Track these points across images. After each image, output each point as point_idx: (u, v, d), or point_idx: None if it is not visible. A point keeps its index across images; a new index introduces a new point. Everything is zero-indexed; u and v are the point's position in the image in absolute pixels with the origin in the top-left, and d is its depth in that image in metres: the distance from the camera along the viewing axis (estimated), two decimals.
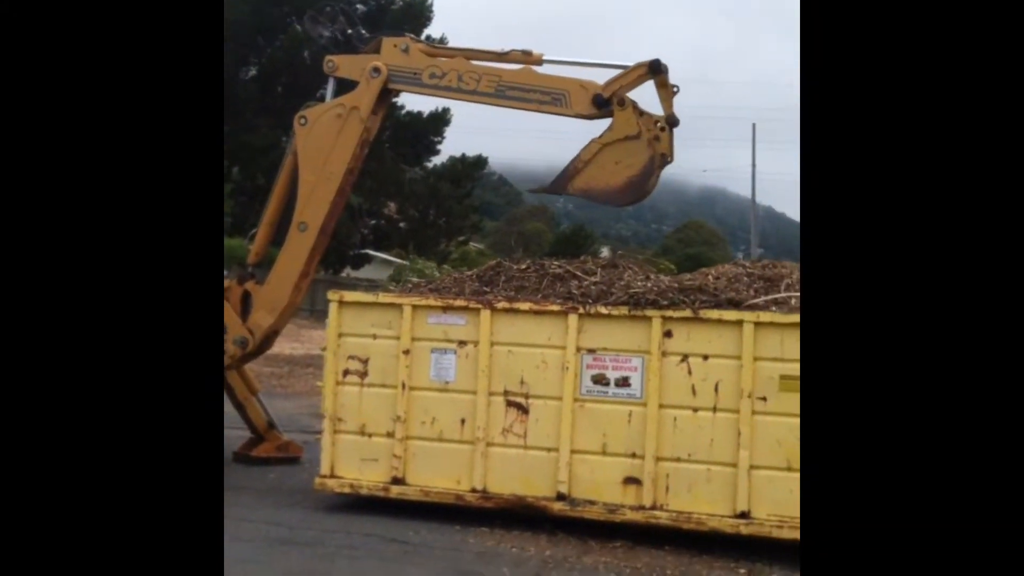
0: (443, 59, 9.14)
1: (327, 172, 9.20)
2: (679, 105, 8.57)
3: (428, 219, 37.73)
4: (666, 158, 8.49)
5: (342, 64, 9.38)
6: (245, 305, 9.50)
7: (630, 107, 8.50)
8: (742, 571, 7.09)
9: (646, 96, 8.64)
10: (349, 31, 9.74)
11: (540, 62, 8.99)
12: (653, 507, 7.60)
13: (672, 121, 8.50)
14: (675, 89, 8.58)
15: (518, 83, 8.83)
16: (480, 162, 38.69)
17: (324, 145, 9.21)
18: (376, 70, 9.13)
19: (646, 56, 8.63)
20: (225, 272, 10.36)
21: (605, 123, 8.66)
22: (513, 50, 9.07)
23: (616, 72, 8.66)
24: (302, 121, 9.32)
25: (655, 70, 8.52)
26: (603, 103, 8.56)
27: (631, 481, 7.68)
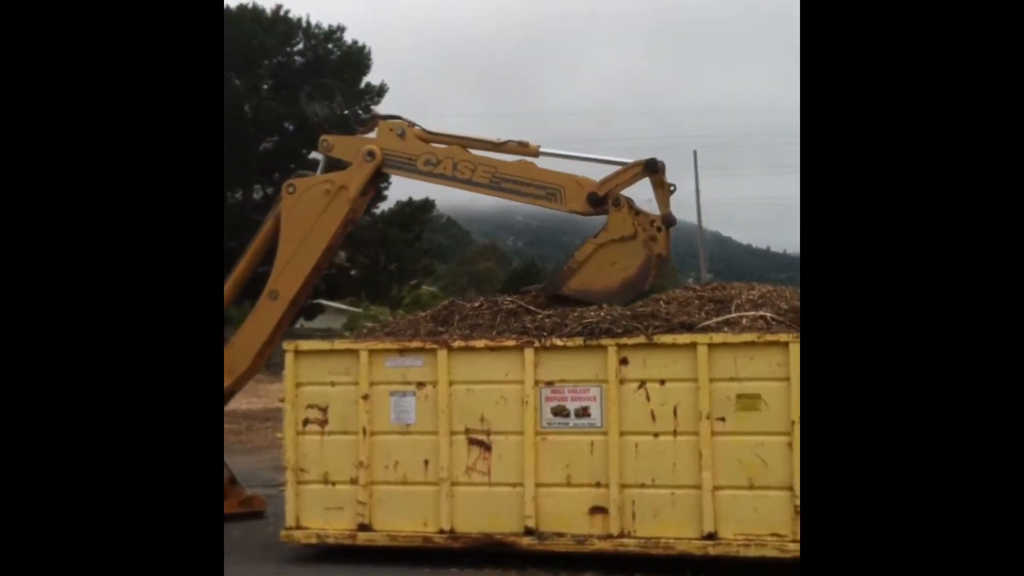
0: (439, 146, 9.11)
1: (307, 245, 9.15)
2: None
3: (379, 265, 37.65)
4: (663, 258, 8.52)
5: (337, 144, 9.34)
6: None
7: (625, 207, 8.49)
8: None
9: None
10: (346, 111, 9.65)
11: (536, 154, 9.00)
12: (621, 535, 7.62)
13: (669, 221, 8.50)
14: (672, 188, 8.64)
15: (514, 175, 8.84)
16: (428, 205, 38.71)
17: (308, 218, 9.14)
18: (371, 154, 9.09)
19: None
20: None
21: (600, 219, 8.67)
22: (510, 140, 9.06)
23: (613, 169, 8.69)
24: (290, 189, 9.24)
25: (651, 169, 8.57)
26: (598, 201, 8.56)
27: (597, 511, 7.70)
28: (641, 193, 8.64)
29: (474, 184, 8.94)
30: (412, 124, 9.26)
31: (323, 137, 9.42)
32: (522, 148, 9.02)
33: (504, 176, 8.86)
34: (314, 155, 41.49)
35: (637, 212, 8.51)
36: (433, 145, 9.13)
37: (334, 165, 9.46)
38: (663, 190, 8.64)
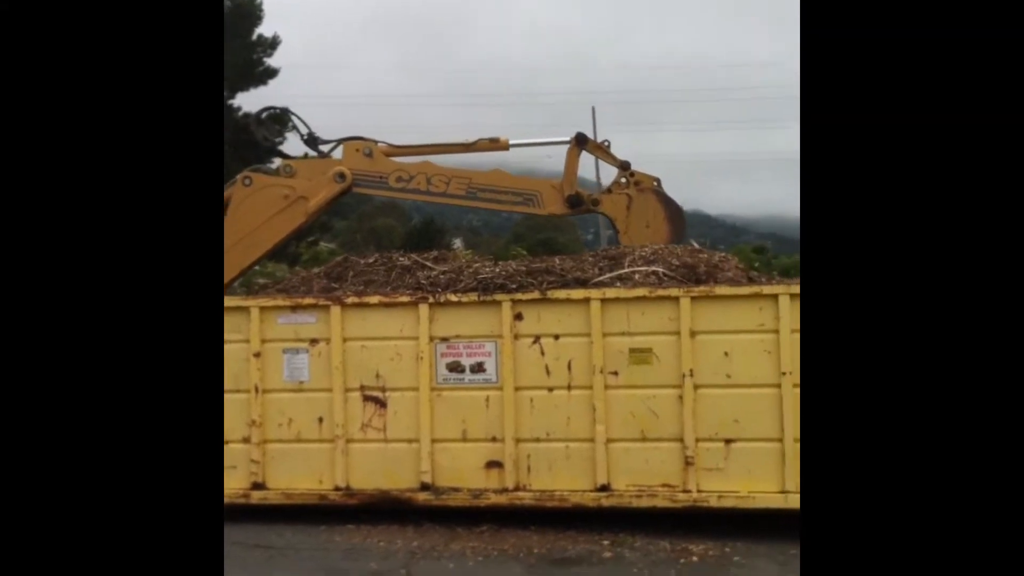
0: (410, 162, 9.05)
1: (251, 240, 8.94)
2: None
3: None
4: (659, 182, 8.96)
5: (301, 169, 9.07)
6: None
7: (602, 197, 9.02)
8: (606, 542, 7.26)
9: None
10: (304, 137, 9.41)
11: (507, 147, 9.19)
12: (516, 488, 7.70)
13: (626, 165, 8.98)
14: (606, 143, 9.09)
15: (490, 185, 8.97)
16: None
17: (258, 216, 8.93)
18: (341, 176, 8.95)
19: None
20: None
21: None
22: (480, 140, 9.16)
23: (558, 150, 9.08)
24: (247, 182, 8.96)
25: (583, 142, 8.99)
26: (577, 203, 8.97)
27: (493, 465, 7.76)
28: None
29: (450, 196, 9.05)
30: (377, 142, 9.16)
31: (286, 162, 9.17)
32: (493, 144, 9.18)
33: (480, 186, 9.01)
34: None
35: (610, 189, 9.04)
36: (403, 160, 9.09)
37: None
38: (602, 151, 9.12)
